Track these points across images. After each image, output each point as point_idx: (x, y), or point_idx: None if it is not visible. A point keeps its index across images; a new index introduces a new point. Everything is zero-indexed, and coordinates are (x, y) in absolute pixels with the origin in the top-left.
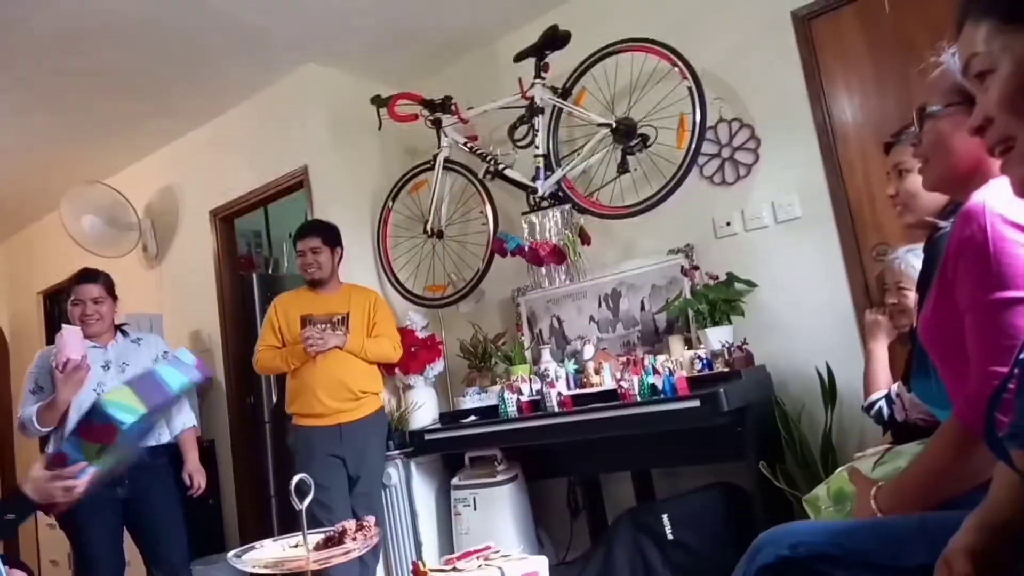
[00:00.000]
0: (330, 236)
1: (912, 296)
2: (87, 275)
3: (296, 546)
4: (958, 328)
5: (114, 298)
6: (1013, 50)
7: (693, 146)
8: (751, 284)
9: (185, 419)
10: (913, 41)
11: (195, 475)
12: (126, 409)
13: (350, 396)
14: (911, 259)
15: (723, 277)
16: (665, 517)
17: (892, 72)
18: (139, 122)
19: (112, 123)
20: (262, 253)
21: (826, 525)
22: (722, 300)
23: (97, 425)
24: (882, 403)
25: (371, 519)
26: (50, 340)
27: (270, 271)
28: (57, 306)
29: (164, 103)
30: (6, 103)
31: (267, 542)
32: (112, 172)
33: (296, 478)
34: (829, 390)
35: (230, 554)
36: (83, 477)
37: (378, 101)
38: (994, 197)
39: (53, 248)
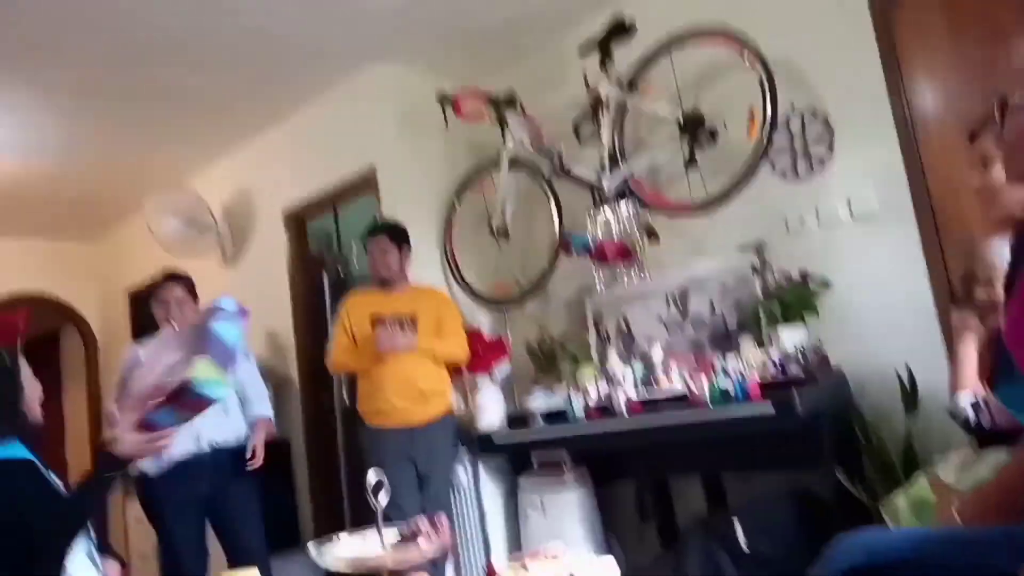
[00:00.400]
0: (399, 236)
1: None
2: (171, 277)
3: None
4: None
5: (196, 299)
6: None
7: (764, 139)
8: (826, 283)
9: (261, 409)
10: (999, 24)
11: (257, 449)
12: (216, 384)
13: (419, 396)
14: (1006, 252)
15: (796, 276)
16: (738, 525)
17: (977, 57)
18: (213, 126)
19: (187, 128)
20: (333, 254)
21: (904, 532)
22: (796, 299)
23: (191, 400)
24: (968, 408)
25: (444, 517)
26: (137, 338)
27: (340, 272)
28: (142, 305)
29: (236, 107)
30: (93, 112)
31: (344, 535)
32: (189, 175)
33: (371, 476)
34: (910, 394)
35: (310, 544)
36: (173, 437)
37: (443, 99)
38: None
39: (138, 248)
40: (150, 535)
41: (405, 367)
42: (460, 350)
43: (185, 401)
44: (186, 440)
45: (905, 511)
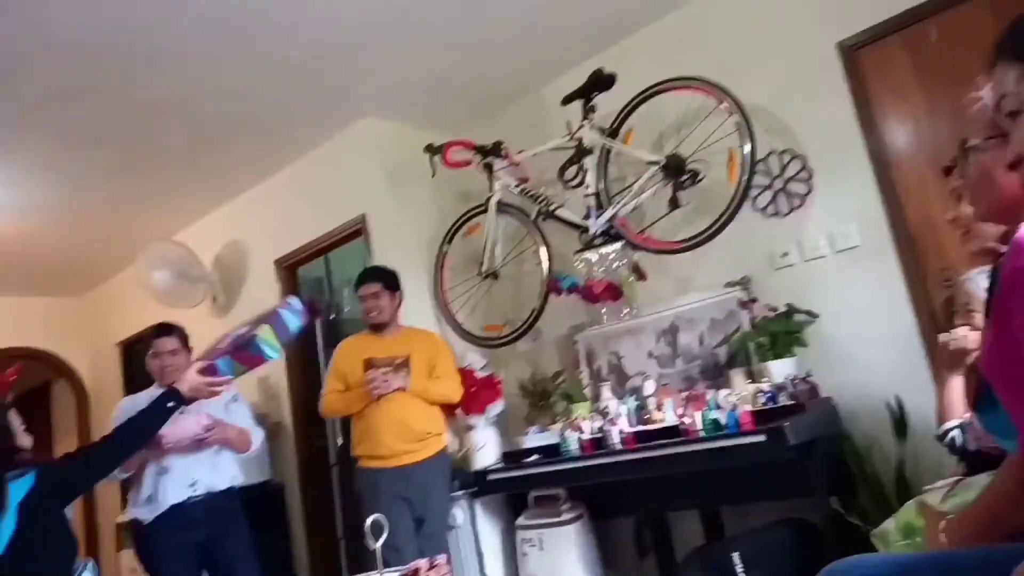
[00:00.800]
0: (390, 281)
1: (981, 319)
2: (163, 329)
3: None
4: (1018, 359)
5: (189, 349)
6: None
7: (744, 179)
8: (812, 315)
9: (254, 431)
10: (962, 67)
11: (220, 426)
12: (272, 346)
13: (413, 437)
14: (982, 280)
15: (782, 309)
16: (735, 556)
17: (944, 97)
18: (206, 180)
19: (181, 183)
20: (324, 299)
21: (890, 558)
22: (783, 332)
23: (251, 354)
24: (956, 432)
25: (442, 558)
26: (128, 390)
27: (332, 317)
28: (134, 357)
29: (229, 162)
30: (84, 171)
31: None
32: (182, 228)
33: (370, 519)
34: (899, 421)
35: None
36: (227, 384)
37: (432, 149)
38: None
39: (129, 301)
40: None
41: (399, 409)
42: (453, 391)
43: (245, 354)
44: (180, 486)
45: (895, 536)
